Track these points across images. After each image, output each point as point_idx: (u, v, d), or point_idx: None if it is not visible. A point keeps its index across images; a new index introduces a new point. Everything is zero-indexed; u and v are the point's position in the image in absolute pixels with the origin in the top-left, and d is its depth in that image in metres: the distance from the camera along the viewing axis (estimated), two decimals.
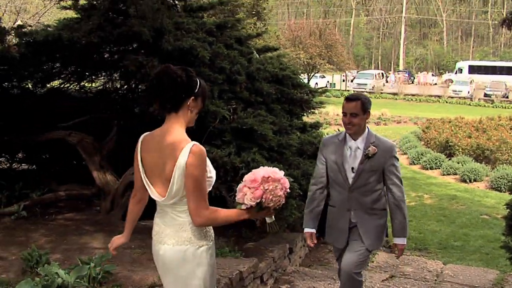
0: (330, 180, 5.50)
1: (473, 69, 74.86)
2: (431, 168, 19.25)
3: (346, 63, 65.16)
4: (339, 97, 55.96)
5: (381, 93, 62.77)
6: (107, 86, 10.47)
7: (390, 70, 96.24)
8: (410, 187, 15.83)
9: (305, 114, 10.31)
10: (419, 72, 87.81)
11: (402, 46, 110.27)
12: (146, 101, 7.69)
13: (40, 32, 8.15)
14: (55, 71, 9.61)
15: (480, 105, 54.61)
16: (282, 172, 3.75)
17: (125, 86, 10.16)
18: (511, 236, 7.04)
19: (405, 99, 59.32)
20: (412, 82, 77.17)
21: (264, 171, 3.70)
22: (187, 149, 3.56)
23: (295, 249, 8.58)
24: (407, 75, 79.45)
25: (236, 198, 3.76)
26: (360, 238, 5.41)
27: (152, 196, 3.79)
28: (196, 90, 3.70)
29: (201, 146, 3.63)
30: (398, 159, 5.47)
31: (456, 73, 75.72)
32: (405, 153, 22.37)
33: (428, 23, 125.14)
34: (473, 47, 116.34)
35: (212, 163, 7.36)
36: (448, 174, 18.14)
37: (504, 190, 15.56)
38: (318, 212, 5.53)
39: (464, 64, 78.28)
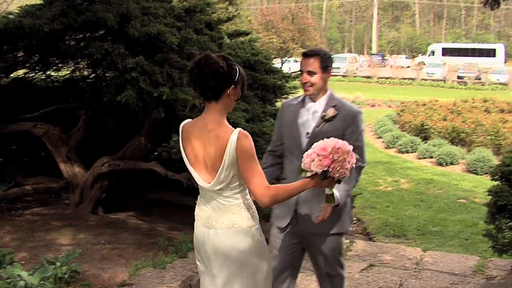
0: (284, 148, 4.84)
1: (446, 52, 75.22)
2: (407, 152, 19.07)
3: (320, 47, 64.96)
4: None
5: (355, 76, 62.78)
6: (74, 75, 10.16)
7: (363, 54, 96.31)
8: (386, 172, 15.70)
9: (279, 100, 10.03)
10: (389, 55, 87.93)
11: (375, 29, 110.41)
12: (114, 90, 7.44)
13: (0, 19, 7.80)
14: (19, 60, 9.26)
15: (454, 87, 54.74)
16: (351, 147, 3.74)
17: (93, 75, 9.85)
18: (493, 224, 6.86)
19: (378, 82, 59.32)
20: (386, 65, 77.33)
21: (334, 141, 3.70)
22: (235, 136, 3.62)
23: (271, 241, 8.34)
24: (380, 58, 79.52)
25: (301, 164, 3.73)
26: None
27: (198, 182, 3.82)
28: (236, 79, 3.73)
29: (246, 132, 3.70)
30: (363, 129, 4.74)
31: (429, 55, 76.01)
32: (380, 137, 22.19)
33: (400, 6, 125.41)
34: (445, 30, 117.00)
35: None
36: (424, 158, 17.98)
37: (480, 173, 15.46)
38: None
39: (437, 47, 78.61)
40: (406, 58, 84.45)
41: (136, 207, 9.02)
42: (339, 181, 3.81)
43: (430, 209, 11.75)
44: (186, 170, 7.35)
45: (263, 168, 4.09)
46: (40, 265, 5.80)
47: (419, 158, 18.05)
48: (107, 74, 9.32)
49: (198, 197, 3.97)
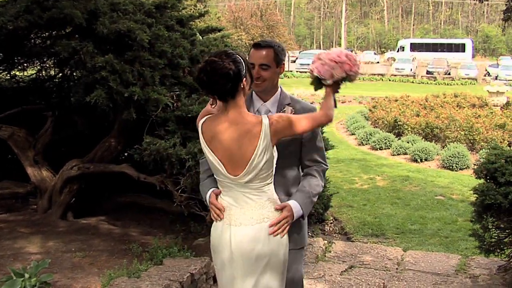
0: None
1: (414, 47, 75.94)
2: (381, 149, 18.97)
3: (288, 44, 64.97)
4: (282, 78, 55.54)
5: None
6: (40, 74, 9.84)
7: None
8: (361, 169, 15.56)
9: None
10: (355, 52, 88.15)
11: (343, 25, 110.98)
12: (82, 90, 7.16)
13: None
14: None
15: (423, 83, 55.12)
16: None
17: (60, 74, 9.54)
18: (479, 223, 6.72)
19: None
20: None
21: (340, 49, 4.04)
22: (266, 120, 3.76)
23: None
24: None
25: (319, 75, 3.97)
26: None
27: (224, 175, 3.83)
28: (244, 71, 3.76)
29: None
30: (320, 128, 4.41)
31: (398, 51, 76.72)
32: (353, 134, 22.08)
33: (368, 1, 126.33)
34: (413, 25, 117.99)
35: (156, 155, 6.91)
36: (398, 154, 17.84)
37: (456, 169, 15.38)
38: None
39: (405, 42, 79.31)
40: (375, 54, 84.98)
41: (107, 211, 8.75)
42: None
43: (408, 207, 11.62)
44: (159, 172, 7.16)
45: (206, 177, 4.15)
46: (8, 277, 5.49)
47: (393, 155, 17.94)
48: (74, 74, 9.03)
49: (220, 196, 3.94)
